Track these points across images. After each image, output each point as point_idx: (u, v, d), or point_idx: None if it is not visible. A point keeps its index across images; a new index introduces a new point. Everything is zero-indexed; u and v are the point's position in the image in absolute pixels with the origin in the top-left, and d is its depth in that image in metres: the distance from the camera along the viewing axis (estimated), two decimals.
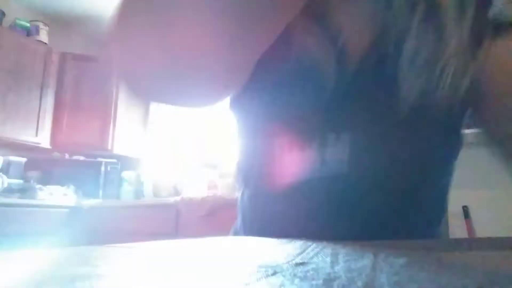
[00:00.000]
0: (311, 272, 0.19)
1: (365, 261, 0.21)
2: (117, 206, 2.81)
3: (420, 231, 0.44)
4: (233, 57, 0.25)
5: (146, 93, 0.30)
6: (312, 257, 0.23)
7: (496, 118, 0.38)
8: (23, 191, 2.67)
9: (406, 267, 0.20)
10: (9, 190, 2.67)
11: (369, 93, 0.41)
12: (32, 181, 2.91)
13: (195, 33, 0.23)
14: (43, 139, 3.08)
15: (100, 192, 3.16)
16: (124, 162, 3.37)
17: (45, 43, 3.13)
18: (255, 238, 0.40)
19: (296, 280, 0.17)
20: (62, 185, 2.91)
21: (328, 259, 0.22)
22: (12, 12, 3.09)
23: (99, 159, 3.28)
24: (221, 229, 0.60)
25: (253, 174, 0.50)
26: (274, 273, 0.19)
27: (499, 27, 0.35)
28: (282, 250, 0.26)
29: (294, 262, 0.22)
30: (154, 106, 3.54)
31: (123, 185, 3.24)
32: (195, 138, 3.25)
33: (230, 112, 0.52)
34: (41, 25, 3.15)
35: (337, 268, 0.20)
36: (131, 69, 0.28)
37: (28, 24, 3.10)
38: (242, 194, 0.53)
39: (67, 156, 3.23)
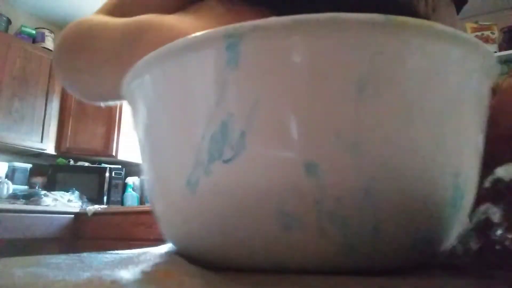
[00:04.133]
0: None
1: None
2: (122, 212, 2.81)
3: None
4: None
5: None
6: None
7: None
8: (28, 197, 2.68)
9: None
10: (14, 196, 2.68)
11: None
12: (37, 187, 2.93)
13: None
14: (48, 145, 3.10)
15: (105, 198, 3.17)
16: (129, 168, 3.38)
17: (51, 50, 3.16)
18: None
19: None
20: (67, 191, 2.92)
21: None
22: (18, 19, 3.12)
23: (104, 165, 3.29)
24: None
25: None
26: None
27: None
28: None
29: None
30: None
31: (128, 191, 3.25)
32: None
33: None
34: (46, 32, 3.18)
35: None
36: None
37: (33, 31, 3.13)
38: None
39: (71, 162, 3.25)
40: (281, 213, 0.20)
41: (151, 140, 0.26)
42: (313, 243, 0.21)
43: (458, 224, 0.24)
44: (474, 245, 0.23)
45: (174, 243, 0.28)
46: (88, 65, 0.43)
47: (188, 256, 0.26)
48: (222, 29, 0.21)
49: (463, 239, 0.24)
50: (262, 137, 0.21)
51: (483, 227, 0.23)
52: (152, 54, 0.23)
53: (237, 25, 0.21)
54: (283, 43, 0.20)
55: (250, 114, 0.21)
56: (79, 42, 0.44)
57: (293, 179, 0.20)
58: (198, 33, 0.22)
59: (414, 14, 0.38)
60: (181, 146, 0.23)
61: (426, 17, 0.39)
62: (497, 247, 0.22)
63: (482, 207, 0.24)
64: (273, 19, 0.20)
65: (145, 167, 0.28)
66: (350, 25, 0.20)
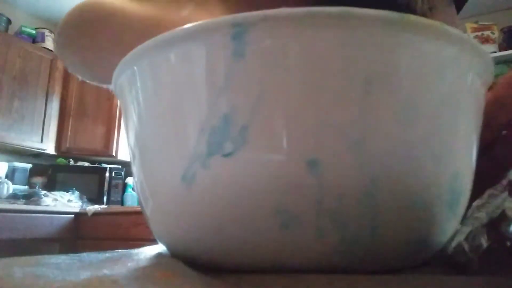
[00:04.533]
0: None
1: None
2: (122, 212, 2.81)
3: None
4: None
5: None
6: None
7: None
8: (28, 197, 2.68)
9: None
10: (14, 196, 2.68)
11: None
12: (37, 187, 2.93)
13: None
14: (48, 145, 3.10)
15: (105, 198, 3.17)
16: (129, 168, 3.38)
17: (51, 50, 3.16)
18: None
19: None
20: (67, 191, 2.92)
21: None
22: (18, 19, 3.12)
23: (104, 165, 3.29)
24: None
25: None
26: None
27: None
28: None
29: None
30: None
31: (128, 191, 3.25)
32: None
33: None
34: (46, 32, 3.18)
35: None
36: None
37: (34, 31, 3.13)
38: None
39: (71, 162, 3.25)
40: (280, 211, 0.20)
41: (143, 133, 0.25)
42: (310, 242, 0.20)
43: (453, 226, 0.24)
44: (484, 242, 0.22)
45: (166, 244, 0.27)
46: (94, 45, 0.43)
47: (181, 257, 0.26)
48: (229, 17, 0.20)
49: (471, 236, 0.23)
50: (264, 132, 0.20)
51: (495, 223, 0.22)
52: (154, 40, 0.22)
53: (246, 14, 0.20)
54: (293, 35, 0.20)
55: (253, 108, 0.20)
56: (88, 20, 0.44)
57: (295, 176, 0.20)
58: (203, 21, 0.21)
59: (411, 12, 0.38)
60: (178, 139, 0.22)
61: (423, 16, 0.39)
62: (508, 243, 0.21)
63: (496, 202, 0.23)
64: (284, 10, 0.19)
65: (136, 164, 0.27)
66: (363, 21, 0.19)
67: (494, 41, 2.59)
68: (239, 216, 0.21)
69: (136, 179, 0.27)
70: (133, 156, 0.27)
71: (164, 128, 0.23)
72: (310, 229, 0.20)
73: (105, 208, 2.91)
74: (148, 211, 0.27)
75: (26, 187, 2.93)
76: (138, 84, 0.24)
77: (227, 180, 0.21)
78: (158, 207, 0.25)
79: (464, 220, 0.25)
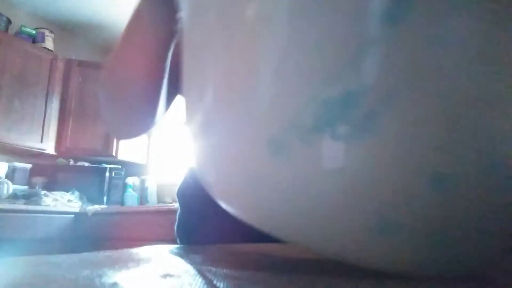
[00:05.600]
0: None
1: None
2: (121, 212, 2.81)
3: None
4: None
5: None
6: None
7: None
8: (28, 197, 2.68)
9: None
10: (14, 196, 2.68)
11: None
12: (37, 187, 2.93)
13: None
14: (48, 145, 3.10)
15: (105, 198, 3.16)
16: (129, 168, 3.38)
17: (51, 50, 3.16)
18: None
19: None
20: (67, 191, 2.92)
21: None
22: (18, 19, 3.12)
23: (104, 165, 3.29)
24: None
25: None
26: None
27: None
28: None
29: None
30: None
31: (128, 191, 3.25)
32: None
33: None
34: (46, 32, 3.18)
35: None
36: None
37: (33, 31, 3.13)
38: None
39: (71, 162, 3.25)
40: (380, 215, 0.17)
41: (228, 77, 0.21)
42: (404, 250, 0.18)
43: None
44: None
45: (234, 209, 0.23)
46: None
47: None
48: None
49: None
50: (396, 127, 0.16)
51: None
52: None
53: None
54: None
55: (391, 92, 0.15)
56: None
57: (415, 188, 0.17)
58: None
59: None
60: (274, 96, 0.18)
61: None
62: None
63: None
64: None
65: (207, 113, 0.23)
66: None
67: None
68: (332, 205, 0.18)
69: (204, 133, 0.23)
70: (207, 97, 0.23)
71: (260, 75, 0.19)
72: (408, 238, 0.18)
73: (105, 208, 2.90)
74: (213, 174, 0.23)
75: (26, 187, 2.92)
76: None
77: (330, 164, 0.17)
78: (233, 171, 0.21)
79: None
